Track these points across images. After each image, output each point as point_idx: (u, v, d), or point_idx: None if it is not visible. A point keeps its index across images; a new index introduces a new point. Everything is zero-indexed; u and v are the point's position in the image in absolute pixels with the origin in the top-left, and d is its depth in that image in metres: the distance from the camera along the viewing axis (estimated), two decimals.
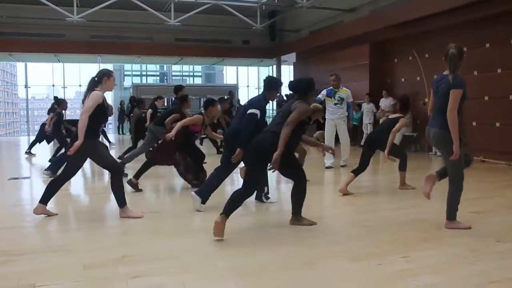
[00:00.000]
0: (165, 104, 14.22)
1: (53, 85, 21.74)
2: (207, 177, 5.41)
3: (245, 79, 23.10)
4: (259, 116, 4.82)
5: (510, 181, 7.12)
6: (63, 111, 9.42)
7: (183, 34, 16.76)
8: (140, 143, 8.38)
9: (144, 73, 44.06)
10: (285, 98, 14.53)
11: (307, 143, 4.71)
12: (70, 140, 4.92)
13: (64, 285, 2.89)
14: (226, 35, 17.48)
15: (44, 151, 10.12)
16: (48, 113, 9.71)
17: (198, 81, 45.27)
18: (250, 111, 4.83)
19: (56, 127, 9.04)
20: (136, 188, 6.07)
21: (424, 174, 6.96)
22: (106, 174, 6.96)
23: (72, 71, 23.13)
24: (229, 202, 3.85)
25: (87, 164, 7.93)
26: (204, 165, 6.37)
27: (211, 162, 5.57)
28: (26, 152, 10.90)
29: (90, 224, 4.59)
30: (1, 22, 14.74)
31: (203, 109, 6.12)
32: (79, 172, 5.35)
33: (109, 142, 12.88)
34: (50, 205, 4.71)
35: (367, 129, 12.51)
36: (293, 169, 4.22)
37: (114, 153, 9.54)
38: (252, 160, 3.99)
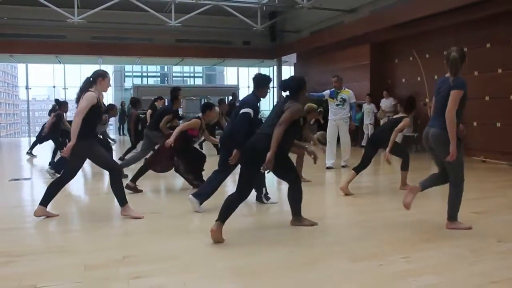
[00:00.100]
0: (166, 104, 14.22)
1: (54, 87, 21.79)
2: (206, 179, 5.39)
3: (246, 80, 23.11)
4: (252, 115, 4.78)
5: (511, 181, 7.11)
6: (65, 113, 9.45)
7: (183, 35, 16.77)
8: (140, 143, 8.38)
9: (144, 74, 44.12)
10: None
11: (293, 146, 4.70)
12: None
13: (65, 285, 2.90)
14: (226, 36, 17.48)
15: (45, 153, 10.12)
16: (49, 115, 9.75)
17: (199, 82, 45.32)
18: (242, 110, 4.78)
19: (54, 128, 9.09)
20: (135, 190, 6.06)
21: (425, 174, 6.95)
22: (106, 174, 6.96)
23: (73, 72, 23.17)
24: (224, 208, 3.80)
25: (87, 165, 7.95)
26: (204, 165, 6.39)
27: (212, 163, 5.57)
28: (27, 153, 10.92)
29: (91, 225, 4.60)
30: (2, 23, 14.76)
31: (201, 113, 6.12)
32: (80, 173, 5.36)
33: (112, 140, 12.89)
34: (51, 206, 4.71)
35: (367, 129, 12.51)
36: (286, 170, 4.18)
37: (114, 154, 9.54)
38: (246, 163, 3.94)
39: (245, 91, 22.06)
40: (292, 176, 4.25)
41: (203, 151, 6.88)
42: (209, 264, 3.30)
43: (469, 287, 2.86)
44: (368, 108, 12.42)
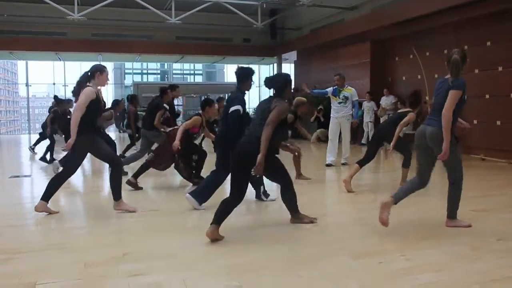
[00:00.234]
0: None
1: (54, 83, 21.79)
2: (204, 178, 5.37)
3: None
4: (241, 111, 4.76)
5: (511, 179, 7.11)
6: (69, 109, 9.53)
7: (183, 32, 16.73)
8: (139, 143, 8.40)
9: (145, 71, 44.14)
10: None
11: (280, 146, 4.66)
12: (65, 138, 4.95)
13: (65, 283, 2.90)
14: (226, 33, 17.45)
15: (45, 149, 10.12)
16: (49, 111, 9.80)
17: (199, 79, 45.32)
18: (232, 109, 4.74)
19: (51, 124, 9.14)
20: (135, 187, 6.07)
21: None
22: (106, 172, 6.96)
23: (73, 69, 23.13)
24: (219, 211, 3.75)
25: (87, 162, 7.96)
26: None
27: (212, 161, 5.57)
28: (29, 148, 10.95)
29: (90, 222, 4.61)
30: (2, 20, 14.73)
31: (200, 109, 6.12)
32: (79, 170, 5.36)
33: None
34: (50, 203, 4.71)
35: (367, 127, 12.50)
36: (276, 171, 4.10)
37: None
38: (237, 166, 3.84)
39: None
40: (283, 178, 4.20)
41: (203, 149, 6.86)
42: (209, 262, 3.30)
43: (468, 285, 2.86)
44: (368, 106, 12.40)
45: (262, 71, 23.07)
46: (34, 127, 26.21)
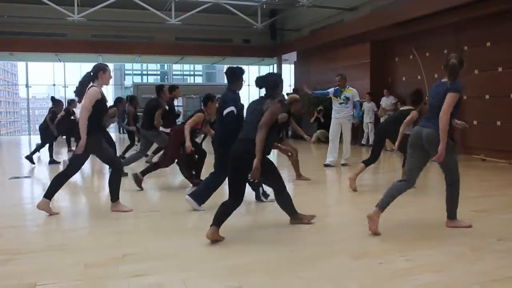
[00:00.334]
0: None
1: (54, 85, 21.78)
2: (203, 180, 5.36)
3: (246, 78, 23.02)
4: (235, 111, 4.75)
5: (511, 180, 7.11)
6: (73, 109, 9.64)
7: (183, 33, 16.74)
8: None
9: (144, 72, 44.14)
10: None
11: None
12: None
13: (65, 284, 2.90)
14: (226, 34, 17.47)
15: (44, 152, 10.11)
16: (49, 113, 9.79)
17: (199, 80, 45.31)
18: (226, 111, 4.73)
19: (48, 125, 9.16)
20: (139, 184, 6.09)
21: (424, 173, 6.95)
22: (106, 173, 6.97)
23: (73, 70, 23.15)
24: (219, 213, 3.74)
25: (87, 163, 7.94)
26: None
27: (211, 162, 5.56)
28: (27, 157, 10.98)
29: (90, 223, 4.61)
30: (2, 21, 14.75)
31: (202, 105, 6.14)
32: (79, 172, 5.35)
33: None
34: (50, 204, 4.71)
35: (368, 128, 12.51)
36: (268, 173, 4.01)
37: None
38: (233, 170, 3.81)
39: (244, 89, 22.05)
40: (275, 181, 4.15)
41: (203, 149, 6.86)
42: (209, 263, 3.31)
43: (469, 286, 2.86)
44: (368, 106, 12.40)
45: (262, 72, 23.08)
46: (34, 128, 26.16)
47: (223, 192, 4.93)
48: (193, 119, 6.00)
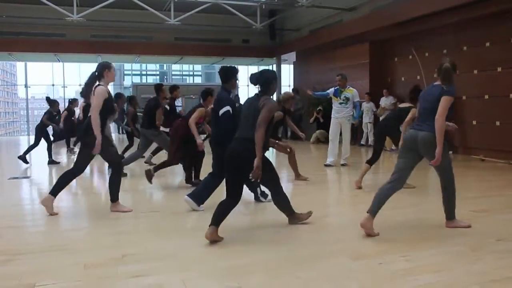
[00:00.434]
0: None
1: (53, 85, 21.75)
2: (202, 180, 5.36)
3: (245, 79, 23.04)
4: (231, 110, 4.75)
5: (510, 180, 7.11)
6: (74, 108, 9.68)
7: (183, 33, 16.74)
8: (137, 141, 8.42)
9: (144, 72, 44.15)
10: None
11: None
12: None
13: (65, 284, 2.90)
14: (226, 34, 17.47)
15: (43, 152, 10.10)
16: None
17: (198, 80, 45.33)
18: (222, 111, 4.74)
19: (44, 126, 9.17)
20: (149, 179, 6.12)
21: (423, 174, 6.95)
22: (106, 173, 6.97)
23: (72, 70, 23.17)
24: (217, 213, 3.73)
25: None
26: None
27: (210, 162, 5.57)
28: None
29: (90, 224, 4.61)
30: (1, 21, 14.73)
31: (201, 100, 6.15)
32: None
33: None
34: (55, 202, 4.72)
35: (367, 128, 12.52)
36: (268, 173, 3.97)
37: None
38: (232, 170, 3.80)
39: (244, 89, 22.05)
40: (272, 181, 4.14)
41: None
42: (208, 263, 3.31)
43: (468, 286, 2.86)
44: (367, 106, 12.41)
45: None
46: (33, 128, 26.15)
47: (222, 192, 4.93)
48: (196, 115, 6.01)
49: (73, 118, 11.59)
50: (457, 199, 4.15)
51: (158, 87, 7.63)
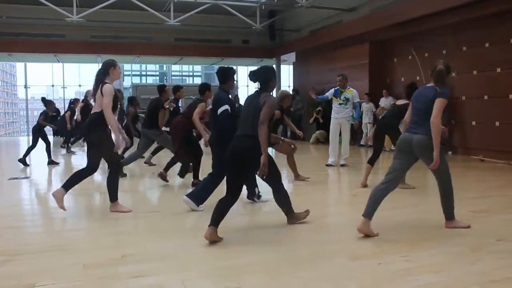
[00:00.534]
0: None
1: (53, 85, 21.73)
2: (201, 180, 5.36)
3: (245, 79, 23.07)
4: (230, 110, 4.77)
5: (510, 180, 7.11)
6: (76, 108, 9.74)
7: (182, 34, 16.73)
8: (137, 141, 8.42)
9: (143, 73, 44.07)
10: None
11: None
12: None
13: (64, 284, 2.89)
14: (225, 35, 17.46)
15: (43, 153, 10.10)
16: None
17: (197, 81, 45.24)
18: (220, 110, 4.75)
19: (40, 126, 9.18)
20: (164, 179, 6.32)
21: (423, 174, 6.94)
22: (105, 173, 6.95)
23: (71, 71, 23.13)
24: (216, 212, 3.73)
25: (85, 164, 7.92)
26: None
27: (209, 162, 5.57)
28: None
29: (89, 224, 4.60)
30: (1, 22, 14.71)
31: (199, 95, 6.15)
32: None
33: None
34: (50, 204, 4.71)
35: (367, 128, 12.51)
36: (270, 170, 3.89)
37: None
38: (233, 167, 3.81)
39: (244, 90, 22.06)
40: (275, 179, 4.15)
41: (200, 149, 6.86)
42: (208, 263, 3.30)
43: (468, 286, 2.86)
44: (366, 107, 12.41)
45: None
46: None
47: (222, 192, 4.93)
48: (198, 110, 6.00)
49: (76, 118, 11.64)
50: (457, 200, 4.16)
51: (161, 88, 7.62)
